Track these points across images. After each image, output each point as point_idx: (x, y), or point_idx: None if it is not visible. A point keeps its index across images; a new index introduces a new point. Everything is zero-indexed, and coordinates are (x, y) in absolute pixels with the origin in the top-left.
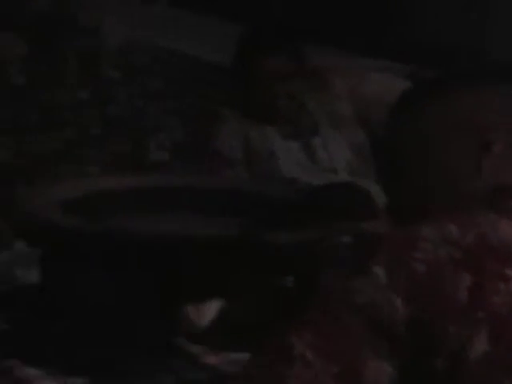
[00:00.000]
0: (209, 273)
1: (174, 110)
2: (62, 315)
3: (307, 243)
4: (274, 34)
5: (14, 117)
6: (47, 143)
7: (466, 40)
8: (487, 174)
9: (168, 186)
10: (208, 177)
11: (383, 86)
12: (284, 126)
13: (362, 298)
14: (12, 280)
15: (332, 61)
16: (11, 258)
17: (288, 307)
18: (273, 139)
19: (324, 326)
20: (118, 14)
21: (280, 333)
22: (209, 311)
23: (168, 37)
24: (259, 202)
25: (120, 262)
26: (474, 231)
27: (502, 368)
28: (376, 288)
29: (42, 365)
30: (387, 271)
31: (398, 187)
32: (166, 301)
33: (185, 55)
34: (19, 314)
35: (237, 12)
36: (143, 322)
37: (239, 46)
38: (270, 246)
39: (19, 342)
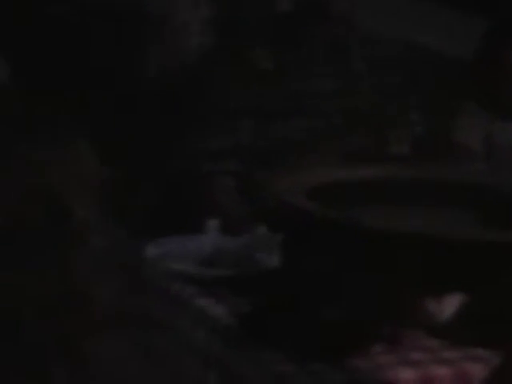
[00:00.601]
0: (450, 268)
1: (415, 103)
2: (302, 300)
3: None
4: None
5: (258, 102)
6: (290, 130)
7: None
8: None
9: (405, 178)
10: (446, 169)
11: None
12: None
13: None
14: (253, 263)
15: None
16: (252, 242)
17: None
18: None
19: None
20: (366, 5)
21: None
22: (449, 305)
23: (411, 30)
24: (499, 198)
25: (356, 254)
26: None
27: None
28: None
29: (282, 348)
30: None
31: None
32: (396, 292)
33: (427, 49)
34: (261, 297)
35: (479, 4)
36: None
37: (484, 40)
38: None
39: (258, 324)
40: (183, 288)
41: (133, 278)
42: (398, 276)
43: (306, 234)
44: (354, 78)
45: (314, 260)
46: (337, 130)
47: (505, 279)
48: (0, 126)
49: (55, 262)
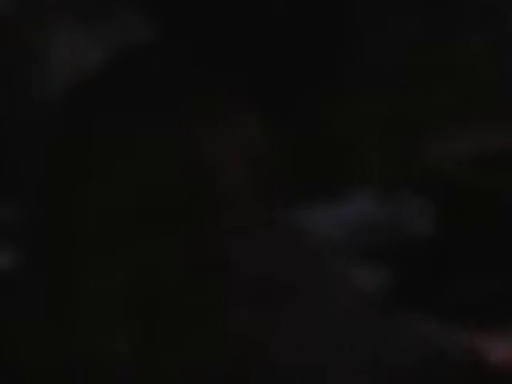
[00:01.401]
0: None
1: None
2: (453, 269)
3: None
4: None
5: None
6: (439, 97)
7: None
8: None
9: None
10: None
11: None
12: None
13: None
14: (404, 232)
15: None
16: (404, 210)
17: None
18: None
19: None
20: None
21: None
22: None
23: None
24: None
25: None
26: None
27: None
28: None
29: (435, 317)
30: None
31: None
32: None
33: None
34: (412, 265)
35: None
36: None
37: None
38: None
39: (410, 293)
40: (333, 256)
41: (282, 246)
42: None
43: (459, 204)
44: (506, 43)
45: (465, 230)
46: (491, 98)
47: None
48: (147, 94)
49: (199, 230)
